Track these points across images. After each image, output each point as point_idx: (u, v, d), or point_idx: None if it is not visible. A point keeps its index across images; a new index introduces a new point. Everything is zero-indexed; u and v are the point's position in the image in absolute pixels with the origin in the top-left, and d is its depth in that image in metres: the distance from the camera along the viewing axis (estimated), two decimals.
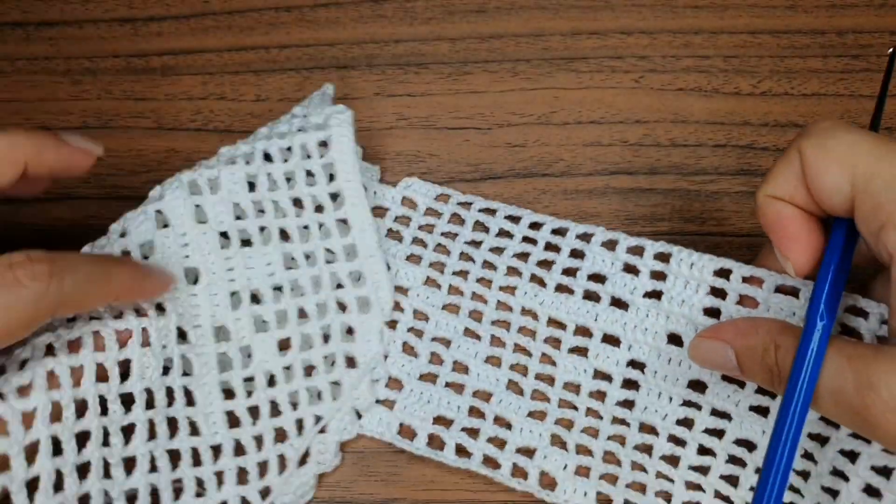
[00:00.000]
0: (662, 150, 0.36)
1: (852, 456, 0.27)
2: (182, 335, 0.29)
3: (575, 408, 0.31)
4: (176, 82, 0.38)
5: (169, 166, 0.36)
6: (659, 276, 0.31)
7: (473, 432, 0.31)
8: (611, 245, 0.32)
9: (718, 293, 0.30)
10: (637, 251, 0.31)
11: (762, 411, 0.29)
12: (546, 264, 0.33)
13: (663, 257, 0.31)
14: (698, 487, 0.30)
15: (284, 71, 0.38)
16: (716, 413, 0.30)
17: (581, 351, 0.32)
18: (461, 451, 0.31)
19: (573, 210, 0.35)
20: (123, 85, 0.38)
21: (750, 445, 0.29)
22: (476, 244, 0.34)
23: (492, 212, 0.34)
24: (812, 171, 0.25)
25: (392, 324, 0.33)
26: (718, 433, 0.30)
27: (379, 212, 0.34)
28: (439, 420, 0.31)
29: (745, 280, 0.29)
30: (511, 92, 0.37)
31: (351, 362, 0.32)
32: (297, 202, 0.32)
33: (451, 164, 0.36)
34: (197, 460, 0.29)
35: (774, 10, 0.38)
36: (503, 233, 0.34)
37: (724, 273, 0.30)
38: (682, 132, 0.36)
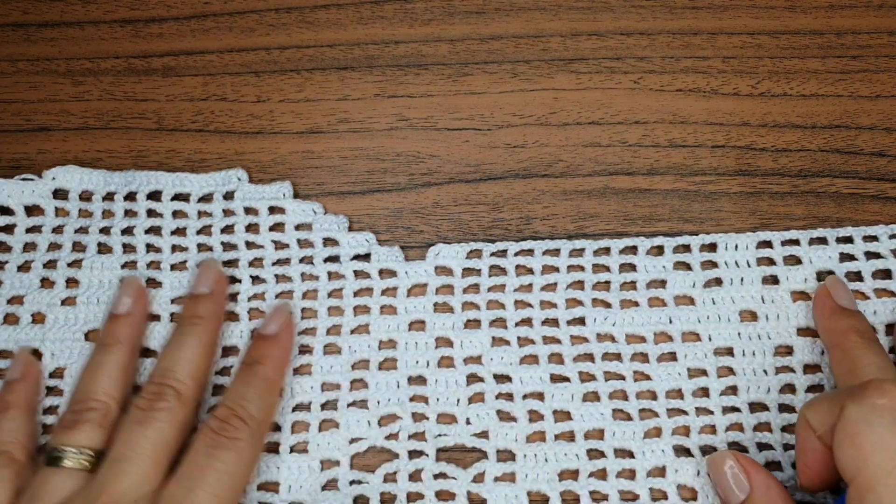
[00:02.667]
0: (661, 150, 0.36)
1: None
2: None
3: (685, 412, 0.31)
4: (177, 83, 0.38)
5: (170, 167, 0.36)
6: (711, 264, 0.33)
7: (601, 473, 0.30)
8: (657, 251, 0.33)
9: (768, 262, 0.33)
10: (685, 249, 0.34)
11: None
12: (603, 286, 0.33)
13: (708, 247, 0.34)
14: None
15: (285, 72, 0.38)
16: (808, 369, 0.32)
17: (669, 356, 0.32)
18: (597, 497, 0.30)
19: (572, 210, 0.35)
20: (125, 86, 0.38)
21: None
22: (527, 288, 0.33)
23: (529, 252, 0.34)
24: (838, 437, 0.24)
25: (479, 396, 0.31)
26: (819, 389, 0.31)
27: (418, 290, 0.33)
28: (566, 474, 0.30)
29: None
30: (511, 93, 0.37)
31: None
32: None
33: (450, 164, 0.36)
34: None
35: (773, 10, 0.38)
36: (548, 268, 0.33)
37: (765, 244, 0.33)
38: (681, 133, 0.36)
